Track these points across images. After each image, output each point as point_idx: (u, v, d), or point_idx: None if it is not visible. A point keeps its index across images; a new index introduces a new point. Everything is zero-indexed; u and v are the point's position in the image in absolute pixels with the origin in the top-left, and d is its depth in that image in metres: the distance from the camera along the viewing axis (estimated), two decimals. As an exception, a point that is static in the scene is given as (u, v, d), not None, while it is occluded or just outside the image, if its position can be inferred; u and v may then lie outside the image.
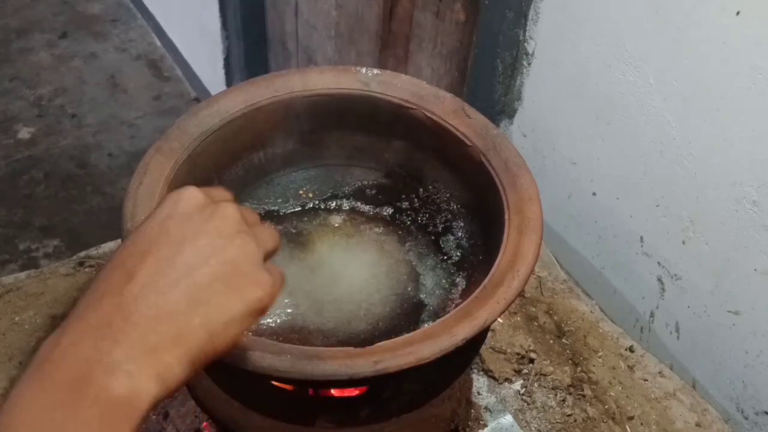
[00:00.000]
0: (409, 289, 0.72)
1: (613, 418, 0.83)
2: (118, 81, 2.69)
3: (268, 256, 0.44)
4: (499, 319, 0.91)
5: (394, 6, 1.39)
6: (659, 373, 0.88)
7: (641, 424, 0.82)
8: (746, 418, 0.85)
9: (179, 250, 0.40)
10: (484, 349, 0.88)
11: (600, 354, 0.90)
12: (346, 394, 0.66)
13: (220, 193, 0.46)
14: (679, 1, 0.77)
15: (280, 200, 0.80)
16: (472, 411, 0.81)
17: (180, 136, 0.69)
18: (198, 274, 0.39)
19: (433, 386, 0.68)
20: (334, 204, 0.80)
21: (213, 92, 2.25)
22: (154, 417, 0.77)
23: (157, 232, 0.41)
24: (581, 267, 1.04)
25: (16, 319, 0.88)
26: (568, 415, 0.82)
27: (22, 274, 0.94)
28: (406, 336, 0.55)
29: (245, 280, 0.41)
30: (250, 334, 0.53)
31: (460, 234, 0.76)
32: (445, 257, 0.75)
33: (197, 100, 2.58)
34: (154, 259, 0.39)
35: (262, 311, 0.41)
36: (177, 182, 0.67)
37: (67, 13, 3.01)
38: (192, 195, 0.43)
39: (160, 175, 0.66)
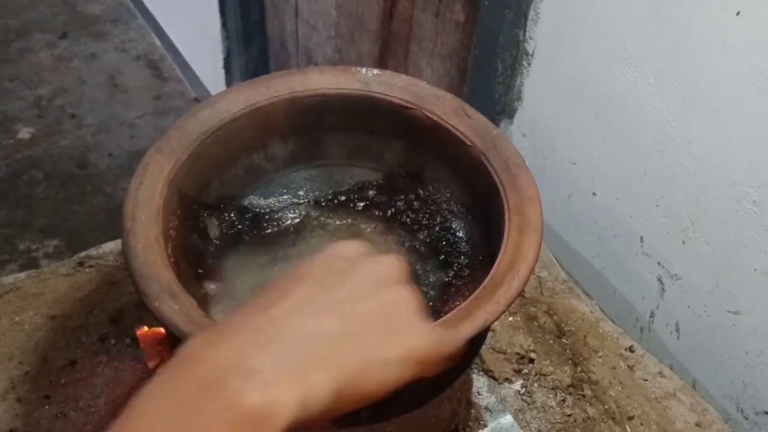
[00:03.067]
0: (409, 289, 0.72)
1: (613, 418, 0.83)
2: (118, 81, 2.69)
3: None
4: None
5: (394, 6, 1.39)
6: (659, 373, 0.88)
7: (641, 424, 0.82)
8: (746, 418, 0.85)
9: (341, 281, 0.39)
10: (484, 349, 0.88)
11: (600, 354, 0.90)
12: (346, 394, 0.65)
13: (393, 253, 0.44)
14: (679, 1, 0.77)
15: (280, 200, 0.80)
16: (472, 411, 0.81)
17: (180, 136, 0.69)
18: (356, 306, 0.37)
19: (433, 386, 0.68)
20: (334, 204, 0.80)
21: (213, 92, 2.25)
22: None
23: (320, 264, 0.40)
24: (581, 267, 1.04)
25: (16, 319, 0.88)
26: (568, 415, 0.82)
27: (22, 274, 0.94)
28: (406, 336, 0.55)
29: (404, 325, 0.39)
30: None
31: (460, 234, 0.76)
32: (445, 257, 0.75)
33: (197, 100, 2.57)
34: (313, 283, 0.38)
35: (425, 363, 0.38)
36: (177, 182, 0.67)
37: (67, 13, 3.01)
38: (359, 243, 0.43)
39: (160, 175, 0.66)
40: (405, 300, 0.39)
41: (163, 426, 0.31)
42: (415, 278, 0.46)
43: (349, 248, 0.42)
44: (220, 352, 0.33)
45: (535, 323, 0.93)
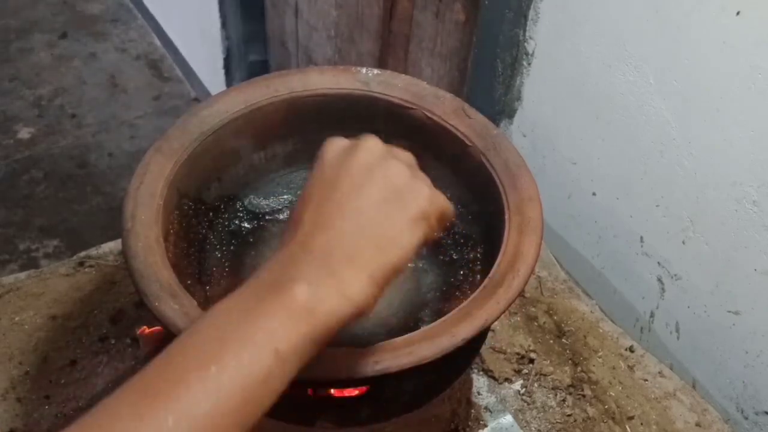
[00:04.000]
0: (409, 289, 0.72)
1: (613, 418, 0.83)
2: (118, 81, 2.69)
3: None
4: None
5: (394, 6, 1.39)
6: (659, 373, 0.88)
7: (641, 424, 0.82)
8: (746, 418, 0.85)
9: (335, 187, 0.45)
10: (484, 349, 0.88)
11: (600, 354, 0.90)
12: (346, 394, 0.66)
13: (400, 151, 0.50)
14: (679, 1, 0.77)
15: (280, 200, 0.80)
16: (472, 411, 0.81)
17: (180, 136, 0.69)
18: (355, 201, 0.44)
19: (433, 386, 0.68)
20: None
21: (213, 92, 2.26)
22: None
23: (313, 183, 0.47)
24: (581, 267, 1.04)
25: (16, 319, 0.88)
26: (568, 415, 0.82)
27: (22, 274, 0.94)
28: (406, 336, 0.55)
29: (401, 194, 0.45)
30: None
31: (460, 234, 0.76)
32: (445, 257, 0.75)
33: (197, 100, 2.58)
34: (315, 202, 0.45)
35: (427, 217, 0.45)
36: (177, 182, 0.67)
37: (67, 13, 3.01)
38: (336, 142, 0.49)
39: (160, 175, 0.66)
40: (393, 171, 0.46)
41: (234, 314, 0.39)
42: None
43: (331, 151, 0.48)
44: (272, 273, 0.42)
45: (535, 323, 0.93)
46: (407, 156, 0.50)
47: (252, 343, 0.38)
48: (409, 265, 0.72)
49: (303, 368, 0.40)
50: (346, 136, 0.50)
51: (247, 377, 0.37)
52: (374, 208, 0.44)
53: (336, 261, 0.42)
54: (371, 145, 0.47)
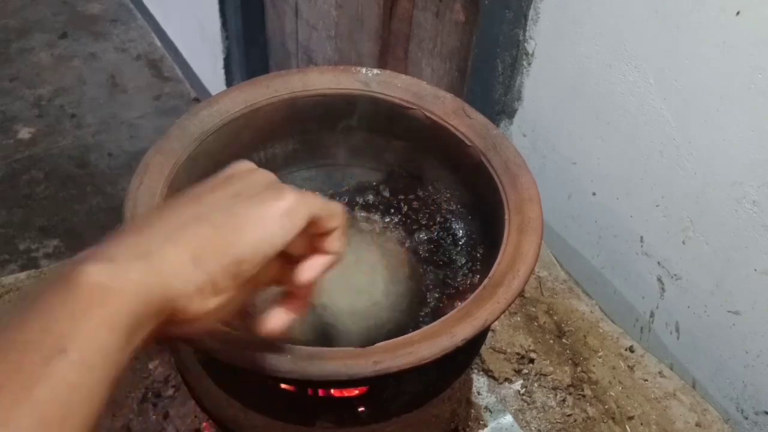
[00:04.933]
0: (409, 289, 0.72)
1: (613, 418, 0.83)
2: (118, 81, 2.69)
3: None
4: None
5: (394, 6, 1.39)
6: (659, 373, 0.88)
7: (641, 424, 0.82)
8: (746, 418, 0.85)
9: (203, 191, 0.40)
10: (484, 349, 0.88)
11: (600, 354, 0.90)
12: (346, 394, 0.66)
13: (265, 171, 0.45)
14: (678, 1, 0.77)
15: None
16: (472, 411, 0.81)
17: (180, 136, 0.69)
18: (207, 194, 0.39)
19: (433, 386, 0.68)
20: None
21: (213, 92, 2.26)
22: (153, 417, 0.77)
23: (198, 189, 0.41)
24: (581, 267, 1.04)
25: (16, 319, 0.88)
26: (568, 415, 0.82)
27: (22, 274, 0.93)
28: (406, 336, 0.55)
29: (261, 192, 0.40)
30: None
31: (460, 234, 0.76)
32: (445, 257, 0.75)
33: (197, 100, 2.58)
34: (185, 198, 0.40)
35: (291, 216, 0.39)
36: (177, 182, 0.67)
37: (67, 13, 3.01)
38: (241, 163, 0.44)
39: (160, 175, 0.66)
40: (262, 177, 0.41)
41: (33, 306, 0.32)
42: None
43: (232, 167, 0.43)
44: (84, 255, 0.34)
45: (535, 323, 0.93)
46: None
47: (34, 355, 0.29)
48: (403, 266, 0.72)
49: (124, 359, 0.32)
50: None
51: (44, 405, 0.29)
52: (224, 199, 0.39)
53: (151, 239, 0.35)
54: (265, 174, 0.43)
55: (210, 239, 0.36)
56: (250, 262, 0.37)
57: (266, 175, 0.42)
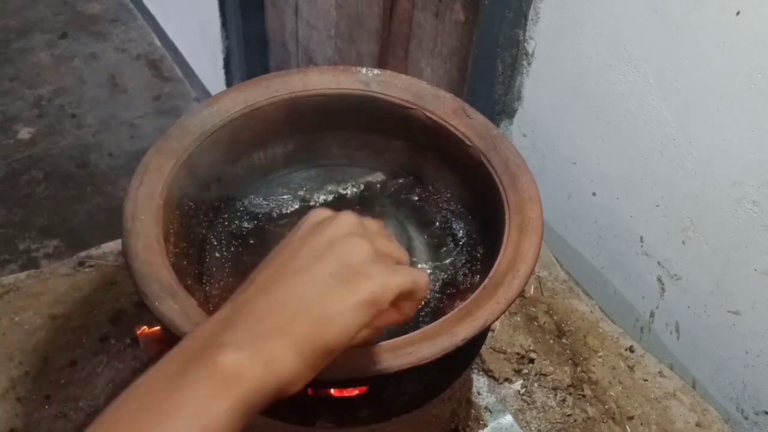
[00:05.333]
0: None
1: (613, 418, 0.83)
2: (118, 81, 2.69)
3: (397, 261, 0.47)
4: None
5: (394, 6, 1.39)
6: (659, 373, 0.88)
7: (641, 424, 0.82)
8: (746, 418, 0.85)
9: (294, 255, 0.44)
10: (484, 349, 0.88)
11: (600, 354, 0.90)
12: (346, 394, 0.66)
13: (346, 211, 0.48)
14: (679, 1, 0.77)
15: (280, 200, 0.80)
16: (472, 411, 0.81)
17: (180, 136, 0.69)
18: (308, 272, 0.42)
19: (433, 386, 0.68)
20: (334, 204, 0.80)
21: (213, 92, 2.25)
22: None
23: (281, 247, 0.46)
24: (581, 267, 1.04)
25: (16, 319, 0.88)
26: (568, 415, 0.82)
27: (22, 274, 0.94)
28: (406, 336, 0.55)
29: (355, 274, 0.43)
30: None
31: (460, 234, 0.76)
32: (445, 257, 0.75)
33: (197, 100, 2.58)
34: (272, 266, 0.44)
35: (374, 305, 0.42)
36: (177, 182, 0.67)
37: (67, 13, 3.01)
38: (318, 211, 0.48)
39: (160, 175, 0.66)
40: (354, 251, 0.44)
41: (158, 385, 0.38)
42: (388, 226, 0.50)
43: (311, 218, 0.47)
44: (200, 336, 0.40)
45: (535, 323, 0.93)
46: (380, 233, 0.48)
47: (176, 418, 0.36)
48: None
49: None
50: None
51: None
52: (321, 283, 0.42)
53: (267, 328, 0.40)
54: (344, 219, 0.46)
55: (309, 333, 0.41)
56: (340, 347, 0.42)
57: (363, 245, 0.44)
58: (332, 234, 0.45)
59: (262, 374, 0.38)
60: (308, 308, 0.41)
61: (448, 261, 0.75)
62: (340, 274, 0.42)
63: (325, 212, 0.48)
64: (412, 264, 0.48)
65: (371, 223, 0.48)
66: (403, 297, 0.45)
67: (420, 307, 0.47)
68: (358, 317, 0.42)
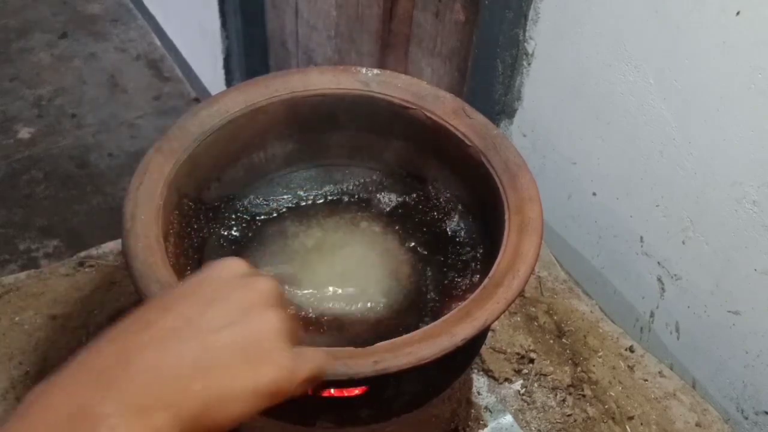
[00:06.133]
0: (409, 289, 0.72)
1: (613, 418, 0.83)
2: (118, 81, 2.69)
3: (296, 342, 0.41)
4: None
5: (394, 6, 1.39)
6: (659, 373, 0.88)
7: (641, 424, 0.82)
8: (746, 418, 0.85)
9: (203, 310, 0.38)
10: (484, 349, 0.88)
11: (600, 354, 0.90)
12: (346, 394, 0.66)
13: (266, 275, 0.43)
14: (679, 1, 0.77)
15: (280, 200, 0.80)
16: (472, 411, 0.81)
17: (180, 136, 0.69)
18: (213, 338, 0.37)
19: (433, 386, 0.68)
20: (334, 204, 0.80)
21: (213, 92, 2.25)
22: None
23: (190, 290, 0.40)
24: (581, 267, 1.04)
25: (16, 319, 0.88)
26: (568, 415, 0.82)
27: (22, 274, 0.94)
28: (406, 336, 0.55)
29: (262, 356, 0.38)
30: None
31: (460, 234, 0.76)
32: (445, 257, 0.75)
33: (197, 100, 2.58)
34: (174, 314, 0.38)
35: (276, 395, 0.38)
36: (177, 182, 0.67)
37: (67, 13, 3.01)
38: (235, 264, 0.42)
39: (160, 175, 0.66)
40: (268, 327, 0.39)
41: None
42: (285, 300, 0.46)
43: (225, 268, 0.42)
44: (71, 398, 0.33)
45: (535, 323, 0.93)
46: (295, 323, 0.42)
47: None
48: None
49: None
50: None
51: None
52: (224, 353, 0.37)
53: (155, 398, 0.34)
54: (264, 286, 0.41)
55: (199, 413, 0.35)
56: (225, 429, 0.37)
57: (276, 315, 0.40)
58: (249, 300, 0.40)
59: None
60: (204, 383, 0.36)
61: (447, 261, 0.75)
62: (248, 351, 0.37)
63: (242, 266, 0.42)
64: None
65: (285, 297, 0.44)
66: (305, 381, 0.40)
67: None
68: (254, 404, 0.37)
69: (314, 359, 0.41)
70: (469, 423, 0.80)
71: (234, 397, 0.36)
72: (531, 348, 0.89)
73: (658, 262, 0.91)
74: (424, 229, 0.78)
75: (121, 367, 0.35)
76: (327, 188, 0.82)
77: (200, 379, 0.36)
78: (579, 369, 0.88)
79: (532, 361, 0.88)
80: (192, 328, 0.37)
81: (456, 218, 0.78)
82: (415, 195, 0.80)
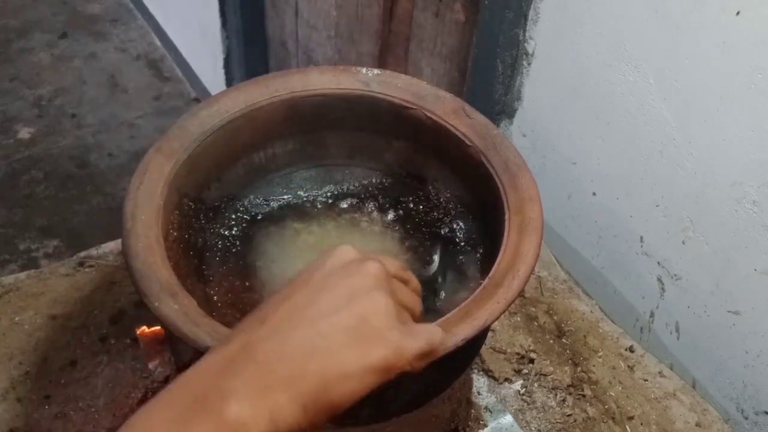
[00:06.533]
0: (409, 289, 0.72)
1: (613, 418, 0.83)
2: (118, 81, 2.69)
3: (415, 318, 0.45)
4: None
5: (394, 6, 1.39)
6: (659, 373, 0.88)
7: (641, 424, 0.82)
8: (746, 418, 0.85)
9: (313, 299, 0.41)
10: (484, 349, 0.88)
11: (600, 354, 0.90)
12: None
13: (374, 258, 0.45)
14: (679, 1, 0.77)
15: (280, 200, 0.80)
16: (472, 411, 0.81)
17: (180, 136, 0.69)
18: (324, 323, 0.40)
19: (433, 386, 0.68)
20: (334, 204, 0.80)
21: (213, 92, 2.26)
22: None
23: (301, 282, 0.43)
24: (581, 267, 1.04)
25: (16, 319, 0.88)
26: (568, 415, 0.82)
27: (22, 274, 0.94)
28: (406, 336, 0.55)
29: (371, 335, 0.41)
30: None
31: (460, 234, 0.76)
32: (445, 257, 0.75)
33: (197, 100, 2.58)
34: (288, 306, 0.41)
35: (387, 371, 0.41)
36: (177, 182, 0.67)
37: (67, 13, 3.02)
38: (344, 252, 0.45)
39: (160, 175, 0.66)
40: (375, 308, 0.42)
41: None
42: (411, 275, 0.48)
43: (334, 258, 0.45)
44: (204, 379, 0.38)
45: (535, 323, 0.93)
46: (400, 277, 0.46)
47: None
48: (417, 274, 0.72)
49: None
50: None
51: None
52: (335, 337, 0.40)
53: (275, 379, 0.38)
54: (370, 269, 0.43)
55: (317, 390, 0.39)
56: (344, 407, 0.40)
57: (386, 303, 0.42)
58: (356, 285, 0.42)
59: (264, 425, 0.37)
60: (319, 363, 0.39)
61: (447, 260, 0.75)
62: (357, 332, 0.40)
63: (351, 254, 0.45)
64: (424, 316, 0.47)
65: (392, 266, 0.46)
66: (417, 357, 0.43)
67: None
68: (368, 382, 0.40)
69: (425, 335, 0.43)
70: (469, 423, 0.80)
71: (347, 375, 0.39)
72: (531, 348, 0.89)
73: (658, 262, 0.91)
74: (424, 229, 0.78)
75: (245, 356, 0.39)
76: (327, 188, 0.82)
77: (315, 360, 0.39)
78: (579, 369, 0.88)
79: (532, 361, 0.88)
80: (305, 318, 0.41)
81: (456, 218, 0.78)
82: (415, 195, 0.80)
